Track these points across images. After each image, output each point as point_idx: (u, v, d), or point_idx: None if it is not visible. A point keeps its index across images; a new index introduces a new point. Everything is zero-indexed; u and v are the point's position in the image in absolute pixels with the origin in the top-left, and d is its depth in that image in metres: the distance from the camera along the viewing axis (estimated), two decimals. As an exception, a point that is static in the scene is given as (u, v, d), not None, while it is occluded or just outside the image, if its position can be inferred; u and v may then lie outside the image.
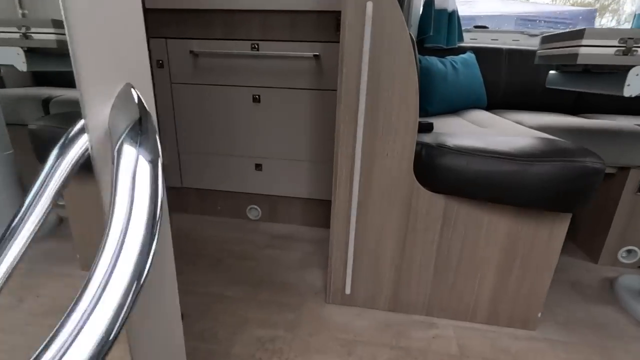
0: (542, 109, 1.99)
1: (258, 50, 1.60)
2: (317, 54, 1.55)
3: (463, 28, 2.07)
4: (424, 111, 1.63)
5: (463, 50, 1.97)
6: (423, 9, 1.93)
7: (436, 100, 1.63)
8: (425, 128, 1.24)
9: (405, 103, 1.03)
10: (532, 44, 2.07)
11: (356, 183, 1.11)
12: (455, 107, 1.73)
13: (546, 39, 1.19)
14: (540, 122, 1.54)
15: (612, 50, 0.94)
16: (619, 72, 0.98)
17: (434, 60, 1.69)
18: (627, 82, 0.95)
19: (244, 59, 1.63)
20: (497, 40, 2.08)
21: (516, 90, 1.97)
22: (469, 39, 2.10)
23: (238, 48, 1.62)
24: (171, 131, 1.78)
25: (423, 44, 1.98)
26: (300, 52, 1.57)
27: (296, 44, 1.57)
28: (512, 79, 1.95)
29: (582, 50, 0.95)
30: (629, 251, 1.57)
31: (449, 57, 1.83)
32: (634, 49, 0.92)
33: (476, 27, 2.11)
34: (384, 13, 0.96)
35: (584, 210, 1.61)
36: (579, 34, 0.96)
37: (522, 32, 2.05)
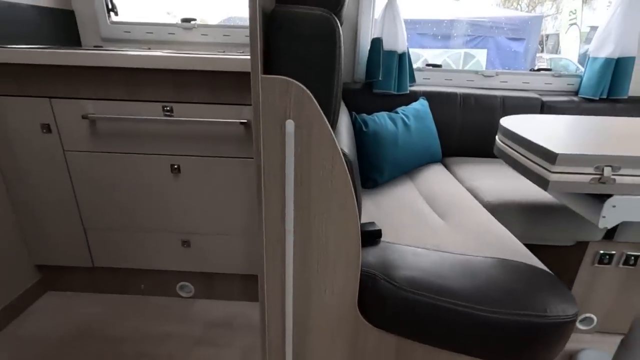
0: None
1: (172, 113, 1.31)
2: (245, 120, 1.28)
3: (414, 67, 1.88)
4: (373, 182, 1.43)
5: (414, 95, 1.78)
6: (370, 48, 1.71)
7: (387, 168, 1.43)
8: (372, 236, 1.04)
9: (345, 233, 0.82)
10: (488, 85, 1.93)
11: (289, 324, 0.89)
12: (408, 168, 1.55)
13: (508, 134, 1.02)
14: (499, 194, 1.40)
15: (586, 178, 0.79)
16: (594, 196, 0.83)
17: (383, 120, 1.48)
18: (602, 214, 0.80)
19: (155, 124, 1.32)
20: (450, 80, 1.92)
21: (471, 136, 1.83)
22: (422, 79, 1.91)
23: (147, 111, 1.31)
24: (70, 204, 1.45)
25: (372, 89, 1.76)
26: (225, 118, 1.30)
27: (219, 107, 1.29)
28: (466, 125, 1.81)
29: (553, 177, 0.79)
30: (584, 319, 1.52)
31: (401, 110, 1.63)
32: (612, 177, 0.77)
33: (428, 65, 1.92)
34: (312, 131, 0.73)
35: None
36: (549, 157, 0.79)
37: (476, 72, 1.90)
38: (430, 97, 1.79)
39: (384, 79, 1.72)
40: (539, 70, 1.91)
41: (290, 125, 0.73)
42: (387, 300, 0.85)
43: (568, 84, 1.91)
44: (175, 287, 1.63)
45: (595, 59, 1.78)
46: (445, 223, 1.17)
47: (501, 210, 1.37)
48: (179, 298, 1.64)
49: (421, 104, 1.71)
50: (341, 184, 0.77)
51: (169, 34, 1.87)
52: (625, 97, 1.78)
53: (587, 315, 1.50)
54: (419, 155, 1.58)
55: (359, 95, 1.79)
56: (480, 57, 5.05)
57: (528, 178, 0.89)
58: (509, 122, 1.09)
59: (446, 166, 1.82)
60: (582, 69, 1.87)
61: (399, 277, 0.87)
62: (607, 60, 1.73)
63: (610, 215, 0.80)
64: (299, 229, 0.82)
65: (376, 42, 1.69)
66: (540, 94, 1.90)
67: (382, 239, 1.06)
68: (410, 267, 0.91)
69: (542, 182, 0.81)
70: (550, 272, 0.92)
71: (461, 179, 1.64)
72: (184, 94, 1.29)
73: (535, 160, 0.85)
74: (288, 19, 0.72)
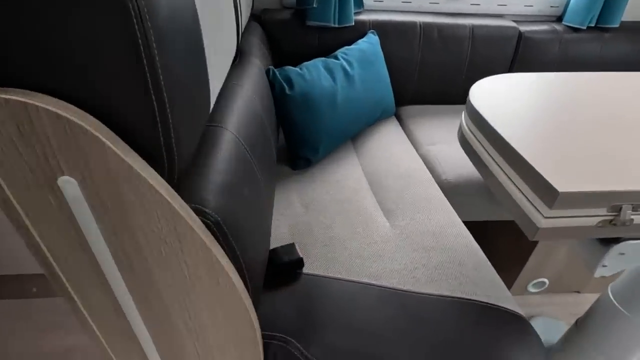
0: (464, 100, 1.56)
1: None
2: None
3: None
4: (305, 161, 1.09)
5: (361, 28, 1.35)
6: (301, -41, 1.20)
7: (323, 141, 1.09)
8: (291, 267, 0.75)
9: (230, 311, 0.52)
10: (455, 9, 1.50)
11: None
12: (352, 133, 1.21)
13: (480, 124, 0.69)
14: (459, 169, 1.12)
15: (593, 221, 0.51)
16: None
17: (316, 72, 1.08)
18: (603, 261, 0.55)
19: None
20: (409, 3, 1.47)
21: (432, 78, 1.47)
22: (372, 1, 1.45)
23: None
24: None
25: (305, 19, 1.30)
26: None
27: None
28: (427, 64, 1.44)
29: (546, 222, 0.50)
30: (537, 283, 1.42)
31: (342, 53, 1.21)
32: (630, 217, 0.50)
33: (382, -19, 1.44)
34: (120, 187, 0.38)
35: (506, 241, 1.36)
36: (546, 194, 0.49)
37: (442, -8, 1.46)
38: (382, 29, 1.36)
39: (319, 6, 1.26)
40: (519, -13, 1.50)
41: (70, 185, 0.36)
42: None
43: (551, 6, 1.53)
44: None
45: (589, -27, 1.39)
46: (392, 228, 0.89)
47: (460, 192, 1.11)
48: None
49: (369, 42, 1.29)
50: (204, 256, 0.45)
51: None
52: (617, 25, 1.45)
53: (540, 280, 1.40)
54: (367, 114, 1.23)
55: (287, 28, 1.32)
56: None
57: (504, 209, 0.61)
58: (481, 100, 0.75)
59: (401, 120, 1.49)
60: (571, -14, 1.48)
61: (322, 347, 0.62)
62: (604, -24, 1.35)
63: (614, 263, 0.55)
64: (152, 327, 0.51)
65: (307, -51, 1.18)
66: (518, 20, 1.52)
67: (306, 269, 0.78)
68: (339, 324, 0.65)
69: (527, 226, 0.53)
70: (524, 316, 0.69)
71: (417, 141, 1.33)
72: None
73: (520, 186, 0.55)
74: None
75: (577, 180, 0.49)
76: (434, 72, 1.46)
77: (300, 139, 1.07)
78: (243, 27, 1.04)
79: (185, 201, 0.42)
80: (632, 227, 0.52)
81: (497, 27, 1.43)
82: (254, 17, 1.34)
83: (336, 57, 1.19)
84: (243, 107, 0.71)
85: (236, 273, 0.49)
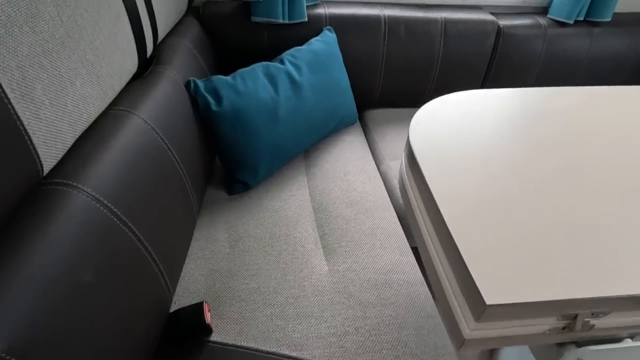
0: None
1: None
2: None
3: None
4: (242, 185, 0.95)
5: (317, 23, 1.18)
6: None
7: (263, 161, 0.94)
8: (195, 334, 0.63)
9: None
10: (426, 0, 1.33)
11: None
12: (303, 149, 1.07)
13: (417, 174, 0.54)
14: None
15: (540, 329, 0.38)
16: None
17: (252, 82, 0.92)
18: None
19: None
20: (375, -8, 1.29)
21: (399, 79, 1.31)
22: (332, -9, 1.27)
23: None
24: None
25: (250, 15, 1.13)
26: None
27: None
28: (393, 63, 1.28)
29: (470, 334, 0.37)
30: None
31: (288, 56, 1.05)
32: (590, 324, 0.37)
33: (343, -32, 1.26)
34: None
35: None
36: (477, 302, 0.36)
37: (412, -20, 1.28)
38: (341, 24, 1.19)
39: (264, 1, 1.08)
40: (500, -26, 1.32)
41: None
42: None
43: (536, -3, 1.36)
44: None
45: (579, -42, 1.22)
46: (329, 274, 0.76)
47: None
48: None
49: (324, 41, 1.13)
50: None
51: None
52: (608, 19, 1.29)
53: None
54: (320, 126, 1.08)
55: (231, 25, 1.15)
56: None
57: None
58: (419, 138, 0.60)
59: (366, 128, 1.34)
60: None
61: None
62: (595, -37, 1.17)
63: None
64: None
65: None
66: (499, 13, 1.35)
67: (215, 335, 0.65)
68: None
69: (453, 333, 0.40)
70: None
71: (379, 154, 1.19)
72: None
73: (451, 280, 0.41)
74: None
75: (518, 285, 0.36)
76: (402, 71, 1.30)
77: (235, 161, 0.92)
78: (165, 28, 0.88)
79: None
80: (593, 331, 0.39)
81: (473, 22, 1.26)
82: (194, 10, 1.16)
83: (282, 61, 1.03)
84: (120, 150, 0.56)
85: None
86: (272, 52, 1.17)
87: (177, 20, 1.04)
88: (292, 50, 1.07)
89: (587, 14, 1.29)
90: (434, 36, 1.25)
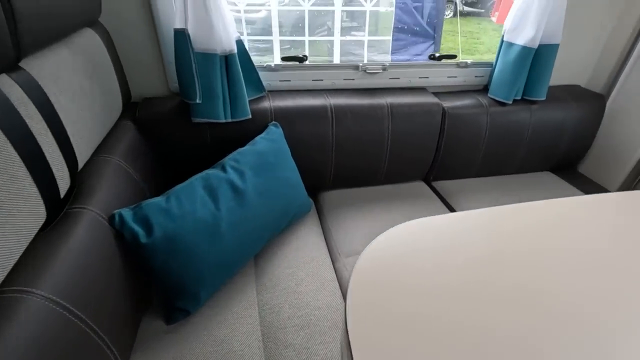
0: (390, 180, 1.40)
1: None
2: None
3: (260, 67, 1.21)
4: (182, 313, 0.86)
5: (261, 118, 1.15)
6: (176, 47, 0.99)
7: (205, 282, 0.86)
8: None
9: None
10: (374, 84, 1.35)
11: None
12: (253, 253, 1.00)
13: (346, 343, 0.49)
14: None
15: None
16: None
17: (189, 201, 0.85)
18: None
19: None
20: (321, 81, 1.29)
21: (354, 162, 1.30)
22: (278, 81, 1.25)
23: None
24: None
25: (191, 115, 1.08)
26: None
27: None
28: (343, 151, 1.26)
29: None
30: None
31: (230, 161, 1.00)
32: None
33: (286, 59, 1.25)
34: None
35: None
36: None
37: (356, 68, 1.29)
38: (287, 116, 1.17)
39: (204, 100, 1.04)
40: (439, 58, 1.37)
41: None
42: None
43: (476, 76, 1.41)
44: None
45: (510, 45, 1.28)
46: None
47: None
48: None
49: (269, 138, 1.09)
50: None
51: None
52: (543, 98, 1.35)
53: None
54: (270, 228, 1.02)
55: (169, 124, 1.09)
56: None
57: None
58: (358, 296, 0.56)
59: (320, 212, 1.30)
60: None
61: None
62: (526, 50, 1.24)
63: None
64: None
65: (180, 38, 0.97)
66: (442, 92, 1.39)
67: None
68: None
69: None
70: None
71: (335, 247, 1.14)
72: None
73: None
74: None
75: None
76: (353, 154, 1.28)
77: (172, 289, 0.84)
78: (91, 146, 0.81)
79: None
80: None
81: (418, 105, 1.28)
82: (131, 108, 1.10)
83: (223, 168, 0.98)
84: None
85: None
86: (216, 152, 1.12)
87: (110, 127, 0.98)
88: (235, 154, 1.02)
89: (523, 94, 1.35)
90: (382, 120, 1.25)
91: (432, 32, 3.41)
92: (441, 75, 1.38)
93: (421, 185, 1.45)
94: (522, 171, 1.54)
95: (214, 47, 0.99)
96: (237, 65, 1.04)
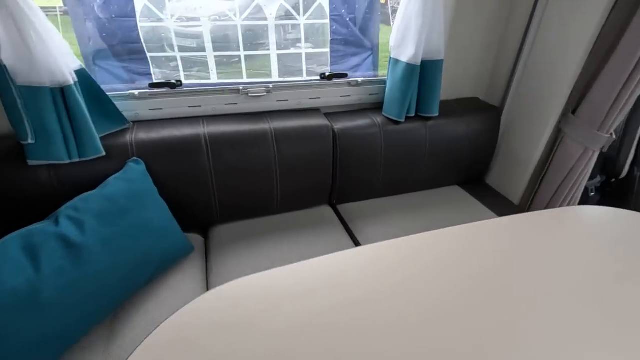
0: (282, 209, 1.30)
1: None
2: None
3: (121, 95, 1.08)
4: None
5: (122, 155, 1.02)
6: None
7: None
8: None
9: None
10: (258, 107, 1.26)
11: None
12: (106, 314, 0.87)
13: None
14: None
15: None
16: None
17: (-9, 270, 0.71)
18: None
19: None
20: (199, 107, 1.18)
21: (239, 193, 1.20)
22: (147, 110, 1.13)
23: None
24: None
25: (26, 158, 0.93)
26: None
27: None
28: (225, 179, 1.15)
29: None
30: None
31: (70, 207, 0.86)
32: None
33: (155, 85, 1.13)
34: None
35: None
36: None
37: (238, 91, 1.20)
38: (152, 151, 1.05)
39: (39, 140, 0.90)
40: (330, 77, 1.31)
41: None
42: None
43: (371, 94, 1.37)
44: None
45: (397, 62, 1.24)
46: None
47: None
48: None
49: (126, 178, 0.96)
50: None
51: None
52: (436, 114, 1.32)
53: None
54: (125, 284, 0.89)
55: (5, 168, 0.94)
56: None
57: None
58: None
59: (208, 251, 1.18)
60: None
61: None
62: (410, 67, 1.20)
63: None
64: None
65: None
66: (337, 112, 1.33)
67: None
68: None
69: None
70: None
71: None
72: None
73: None
74: None
75: None
76: (239, 185, 1.18)
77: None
78: None
79: None
80: None
81: (306, 128, 1.21)
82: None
83: (57, 221, 0.84)
84: None
85: None
86: (68, 198, 0.97)
87: None
88: (75, 201, 0.89)
89: (417, 110, 1.31)
90: (266, 146, 1.16)
91: (369, 43, 3.44)
92: (334, 95, 1.32)
93: (325, 210, 1.38)
94: (429, 187, 1.51)
95: (40, 79, 0.86)
96: (75, 97, 0.91)
